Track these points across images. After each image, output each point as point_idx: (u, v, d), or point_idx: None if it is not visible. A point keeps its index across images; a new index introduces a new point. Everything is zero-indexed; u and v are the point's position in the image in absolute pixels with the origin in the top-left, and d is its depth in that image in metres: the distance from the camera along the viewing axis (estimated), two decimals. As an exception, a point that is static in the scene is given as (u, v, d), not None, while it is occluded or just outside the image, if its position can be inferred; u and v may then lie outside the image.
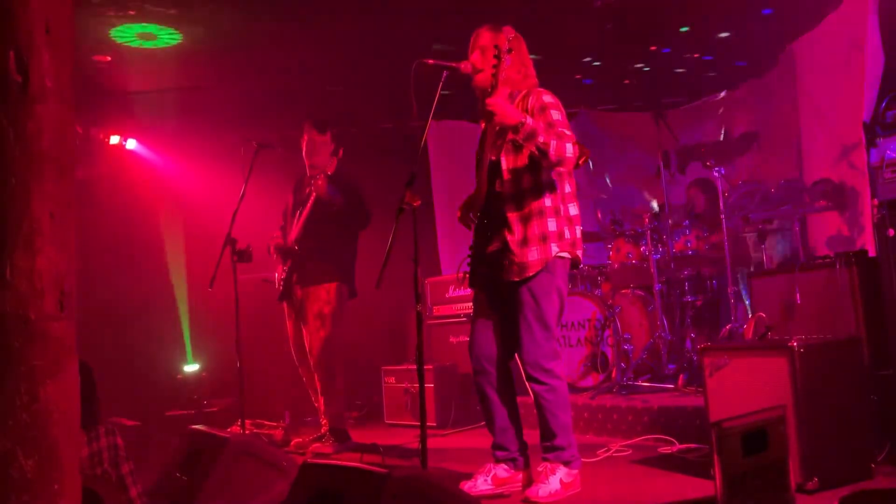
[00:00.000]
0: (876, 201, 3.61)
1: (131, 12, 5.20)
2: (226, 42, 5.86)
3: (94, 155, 7.06)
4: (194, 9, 5.23)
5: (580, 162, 3.39)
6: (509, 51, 3.32)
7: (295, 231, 5.05)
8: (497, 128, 3.41)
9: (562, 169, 3.35)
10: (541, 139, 3.20)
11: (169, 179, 7.52)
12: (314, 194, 4.90)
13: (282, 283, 5.10)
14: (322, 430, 4.98)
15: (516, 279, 3.35)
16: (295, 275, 5.04)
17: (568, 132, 3.31)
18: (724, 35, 6.08)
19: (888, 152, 3.55)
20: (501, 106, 3.23)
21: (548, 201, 3.38)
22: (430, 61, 3.34)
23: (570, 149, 3.24)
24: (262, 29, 5.67)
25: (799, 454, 3.04)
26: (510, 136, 3.38)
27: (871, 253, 3.95)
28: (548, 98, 3.41)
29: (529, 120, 3.21)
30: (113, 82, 6.35)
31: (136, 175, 7.40)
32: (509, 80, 3.47)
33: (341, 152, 4.91)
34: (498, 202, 3.40)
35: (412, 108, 3.28)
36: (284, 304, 5.16)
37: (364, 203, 5.05)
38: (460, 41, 3.59)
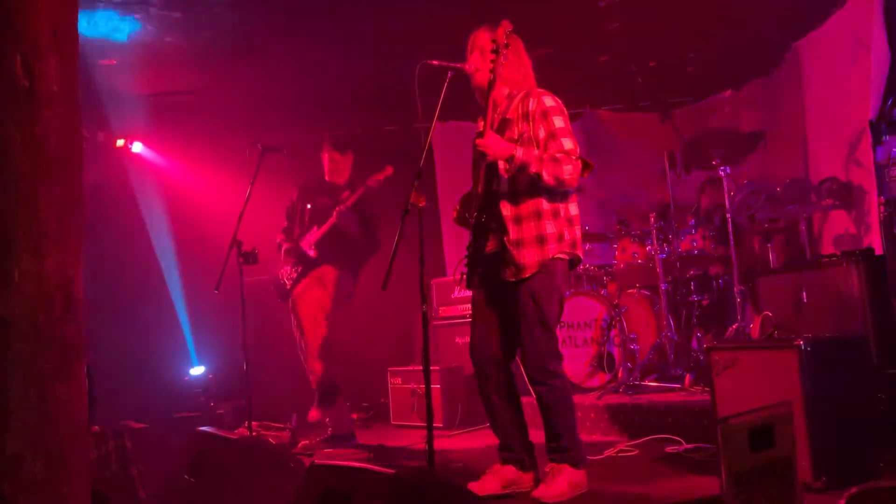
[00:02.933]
0: (883, 199, 3.60)
1: (137, 16, 5.22)
2: (230, 45, 5.87)
3: (101, 158, 7.08)
4: (199, 12, 5.25)
5: (584, 176, 3.39)
6: (506, 45, 3.31)
7: (315, 236, 5.15)
8: (495, 127, 3.40)
9: (562, 189, 3.36)
10: (532, 169, 3.22)
11: (175, 182, 7.55)
12: (333, 220, 5.05)
13: (292, 282, 5.19)
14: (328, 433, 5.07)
15: (513, 280, 3.35)
16: (304, 280, 5.12)
17: (570, 144, 3.31)
18: (728, 34, 6.07)
19: (895, 150, 3.54)
20: (492, 146, 3.25)
21: (545, 203, 3.36)
22: (435, 62, 3.34)
23: (567, 171, 3.25)
24: (266, 31, 5.68)
25: (807, 453, 3.03)
26: (508, 135, 3.37)
27: (878, 251, 3.94)
28: (549, 101, 3.39)
29: (519, 152, 3.22)
30: (119, 86, 6.37)
31: (142, 178, 7.42)
32: (508, 80, 3.47)
33: (390, 170, 5.06)
34: (495, 202, 3.39)
35: (417, 110, 3.28)
36: (291, 304, 5.21)
37: (377, 234, 5.18)
38: (464, 41, 3.59)
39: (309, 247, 5.14)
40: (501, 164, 3.31)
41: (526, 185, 3.36)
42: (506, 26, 3.32)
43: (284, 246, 5.27)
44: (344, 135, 5.50)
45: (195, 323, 7.18)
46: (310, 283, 5.13)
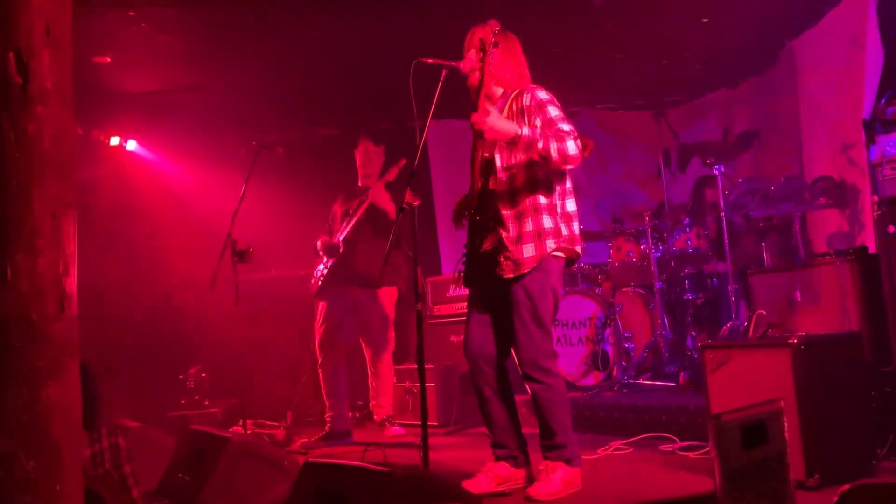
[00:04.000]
0: (876, 198, 3.61)
1: (131, 13, 5.20)
2: (225, 43, 5.86)
3: (95, 156, 7.07)
4: (193, 8, 5.24)
5: (586, 154, 3.37)
6: (495, 44, 3.29)
7: (344, 230, 5.23)
8: (483, 96, 3.39)
9: (569, 167, 3.32)
10: (540, 145, 3.18)
11: (169, 180, 7.53)
12: (368, 200, 5.12)
13: (321, 280, 5.25)
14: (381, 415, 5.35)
15: (511, 276, 3.34)
16: (345, 273, 5.18)
17: (567, 127, 3.29)
18: (723, 33, 6.08)
19: (888, 149, 3.55)
20: (491, 125, 3.19)
21: (543, 198, 3.36)
22: (429, 60, 3.34)
23: (572, 147, 3.20)
24: (262, 30, 5.67)
25: (801, 451, 3.04)
26: None
27: (872, 250, 3.96)
28: (543, 95, 3.39)
29: (525, 130, 3.19)
30: (113, 84, 6.35)
31: (136, 176, 7.41)
32: (502, 79, 3.47)
33: (403, 162, 5.08)
34: (493, 200, 3.39)
35: (412, 108, 3.28)
36: (323, 302, 5.28)
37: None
38: (459, 40, 3.59)
39: (340, 241, 5.24)
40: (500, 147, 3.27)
41: (524, 182, 3.36)
42: (493, 25, 3.29)
43: (320, 239, 5.35)
44: (344, 133, 5.52)
45: (190, 321, 7.15)
46: (368, 310, 5.28)
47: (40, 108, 1.59)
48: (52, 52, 1.61)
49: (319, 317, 5.29)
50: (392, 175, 5.12)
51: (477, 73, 3.42)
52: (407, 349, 6.92)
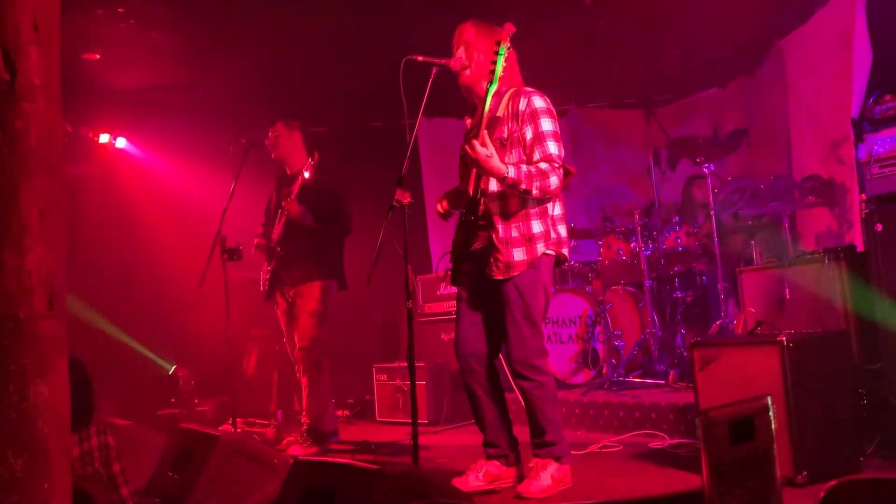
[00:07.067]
0: (864, 196, 3.63)
1: (120, 10, 5.18)
2: (215, 40, 5.84)
3: (84, 153, 7.04)
4: (182, 6, 5.22)
5: (566, 182, 3.39)
6: (508, 48, 3.30)
7: (276, 232, 5.04)
8: (485, 124, 3.40)
9: (548, 198, 3.37)
10: (523, 187, 3.22)
11: (159, 178, 7.50)
12: (284, 216, 4.91)
13: (266, 283, 5.09)
14: (302, 429, 4.95)
15: (501, 277, 3.35)
16: (283, 274, 5.02)
17: (556, 150, 3.30)
18: (713, 32, 6.09)
19: (876, 148, 3.57)
20: (485, 161, 3.19)
21: (532, 202, 3.37)
22: (420, 58, 3.33)
23: (554, 182, 3.26)
24: (252, 27, 5.65)
25: (789, 447, 3.06)
26: (497, 133, 3.37)
27: (860, 248, 3.98)
28: (539, 103, 3.38)
29: (511, 172, 3.20)
30: (102, 80, 6.32)
31: (125, 173, 7.38)
32: (501, 79, 3.46)
33: (317, 156, 4.93)
34: (484, 199, 3.39)
35: (402, 106, 3.27)
36: (278, 303, 5.15)
37: (346, 211, 5.02)
38: (449, 37, 3.59)
39: (275, 243, 5.01)
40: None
41: None
42: (510, 29, 3.29)
43: (255, 241, 5.11)
44: (328, 131, 5.40)
45: (179, 319, 7.13)
46: (298, 307, 4.96)
47: (28, 105, 1.58)
48: (40, 49, 1.60)
49: (280, 321, 5.16)
50: (309, 171, 4.87)
51: (469, 73, 3.44)
52: (397, 347, 6.92)
